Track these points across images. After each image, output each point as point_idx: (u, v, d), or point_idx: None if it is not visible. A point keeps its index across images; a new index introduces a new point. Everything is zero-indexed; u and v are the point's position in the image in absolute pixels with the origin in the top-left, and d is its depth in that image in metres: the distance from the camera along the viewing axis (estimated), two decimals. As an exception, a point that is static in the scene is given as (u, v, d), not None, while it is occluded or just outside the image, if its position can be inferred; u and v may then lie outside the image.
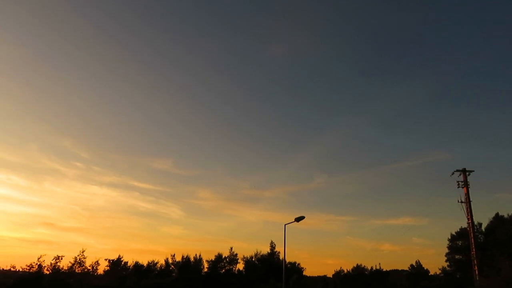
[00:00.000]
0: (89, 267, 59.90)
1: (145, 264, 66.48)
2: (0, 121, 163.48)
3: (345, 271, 76.85)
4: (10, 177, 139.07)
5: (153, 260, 67.23)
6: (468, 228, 41.49)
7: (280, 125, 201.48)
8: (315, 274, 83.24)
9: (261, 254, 68.34)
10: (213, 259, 67.31)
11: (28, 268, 55.46)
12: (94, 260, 61.67)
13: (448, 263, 59.49)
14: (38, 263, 56.73)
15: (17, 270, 57.04)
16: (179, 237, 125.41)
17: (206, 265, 67.16)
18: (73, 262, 59.70)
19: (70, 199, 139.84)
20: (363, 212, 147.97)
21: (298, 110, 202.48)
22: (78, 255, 60.00)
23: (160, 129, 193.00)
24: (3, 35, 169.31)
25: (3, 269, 60.63)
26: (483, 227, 55.71)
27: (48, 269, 57.48)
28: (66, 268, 58.70)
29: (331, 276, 79.48)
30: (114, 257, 64.84)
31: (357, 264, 76.39)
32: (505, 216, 54.73)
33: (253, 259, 67.85)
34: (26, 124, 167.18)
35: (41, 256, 57.07)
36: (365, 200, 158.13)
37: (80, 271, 59.43)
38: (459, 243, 57.13)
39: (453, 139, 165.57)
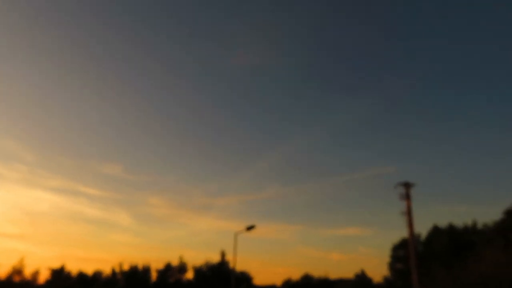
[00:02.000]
0: (29, 277, 57.04)
1: (90, 274, 64.16)
2: None
3: (294, 280, 78.35)
4: None
5: (98, 269, 65.07)
6: (408, 239, 44.05)
7: (237, 134, 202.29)
8: (265, 283, 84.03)
9: (212, 263, 68.16)
10: (162, 268, 66.20)
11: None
12: (35, 269, 58.92)
13: (390, 272, 62.46)
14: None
15: None
16: (128, 244, 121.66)
17: (154, 274, 65.97)
18: (11, 270, 56.60)
19: (11, 203, 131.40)
20: (314, 222, 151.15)
21: (255, 119, 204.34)
22: (17, 264, 57.03)
23: (111, 132, 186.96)
24: None
25: None
26: (422, 238, 59.18)
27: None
28: (4, 277, 55.52)
29: (280, 285, 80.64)
30: (57, 265, 62.20)
31: (305, 273, 78.18)
32: (442, 227, 58.52)
33: (203, 268, 67.47)
34: None
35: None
36: (316, 209, 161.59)
37: (19, 280, 56.39)
38: (400, 253, 60.23)
39: (400, 152, 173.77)
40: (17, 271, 56.38)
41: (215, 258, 70.22)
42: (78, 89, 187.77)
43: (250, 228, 34.02)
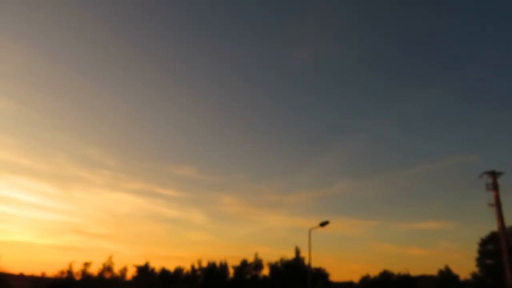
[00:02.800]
0: (118, 273, 61.53)
1: (171, 270, 67.46)
2: (29, 131, 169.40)
3: (372, 276, 75.78)
4: (40, 186, 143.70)
5: (179, 266, 68.19)
6: (499, 232, 40.40)
7: (304, 130, 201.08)
8: (341, 280, 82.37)
9: (286, 259, 68.25)
10: (238, 265, 67.63)
11: (59, 274, 57.37)
12: (122, 266, 63.44)
13: (479, 268, 57.90)
14: (69, 270, 58.57)
15: (49, 276, 59.06)
16: (204, 243, 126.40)
17: (231, 271, 67.60)
18: (102, 268, 61.44)
19: (97, 206, 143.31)
20: (389, 216, 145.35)
21: (321, 114, 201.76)
22: (106, 261, 61.80)
23: (184, 136, 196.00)
24: (32, 49, 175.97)
25: (34, 275, 62.79)
26: (514, 231, 54.04)
27: (78, 275, 59.24)
28: (96, 274, 60.40)
29: (358, 282, 78.48)
30: (141, 263, 66.28)
31: (384, 269, 75.22)
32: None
33: (278, 265, 67.78)
34: (54, 134, 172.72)
35: (71, 262, 59.07)
36: (390, 204, 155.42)
37: (109, 276, 61.01)
38: (490, 247, 55.58)
39: (480, 141, 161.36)
40: (107, 268, 61.01)
41: (289, 254, 70.30)
42: (154, 98, 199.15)
43: (323, 224, 33.37)
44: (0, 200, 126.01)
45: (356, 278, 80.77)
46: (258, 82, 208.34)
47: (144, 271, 64.33)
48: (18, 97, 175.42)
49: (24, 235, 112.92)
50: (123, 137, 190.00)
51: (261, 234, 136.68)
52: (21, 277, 61.61)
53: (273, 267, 67.52)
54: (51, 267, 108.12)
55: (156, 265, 68.39)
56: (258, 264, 67.67)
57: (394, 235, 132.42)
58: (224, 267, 67.43)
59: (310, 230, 34.02)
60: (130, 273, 63.66)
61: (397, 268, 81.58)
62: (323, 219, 33.86)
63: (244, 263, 67.57)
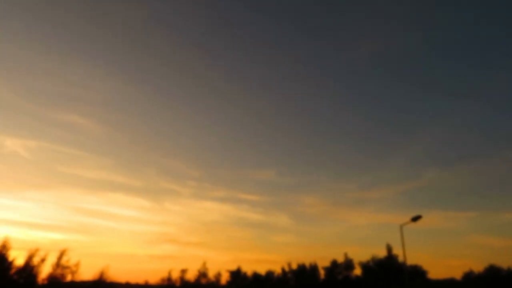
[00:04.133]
0: (213, 278, 64.15)
1: (263, 274, 68.56)
2: (121, 151, 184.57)
3: (476, 272, 69.92)
4: (136, 200, 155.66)
5: (270, 269, 69.09)
6: None
7: (383, 122, 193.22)
8: (440, 277, 77.03)
9: (378, 258, 65.61)
10: (328, 266, 66.62)
11: (160, 281, 61.38)
12: (216, 272, 66.02)
13: None
14: (168, 277, 62.41)
15: (151, 284, 63.54)
16: (291, 244, 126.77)
17: (322, 272, 66.78)
18: (197, 274, 64.50)
19: (187, 215, 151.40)
20: (489, 206, 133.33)
21: (404, 100, 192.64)
22: (201, 268, 64.78)
23: (261, 140, 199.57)
24: (119, 77, 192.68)
25: (138, 283, 67.90)
26: None
27: (177, 281, 62.82)
28: (193, 280, 63.57)
29: (460, 279, 72.85)
30: (233, 268, 68.36)
31: (489, 264, 68.93)
32: None
33: (370, 264, 65.45)
34: (143, 152, 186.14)
35: (170, 270, 62.86)
36: (489, 192, 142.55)
37: (205, 282, 63.86)
38: None
39: None
40: (203, 274, 63.87)
41: (380, 252, 67.54)
42: (228, 108, 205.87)
43: (416, 218, 31.59)
44: (102, 215, 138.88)
45: (457, 274, 75.31)
46: (332, 77, 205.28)
47: (237, 275, 66.27)
48: (109, 121, 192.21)
49: (125, 247, 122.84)
50: (204, 149, 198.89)
51: (346, 233, 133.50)
52: (127, 286, 67.07)
53: (365, 267, 65.37)
54: (152, 275, 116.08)
55: (248, 269, 70.19)
56: (348, 264, 66.04)
57: (496, 226, 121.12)
58: (314, 268, 66.88)
59: (401, 226, 32.46)
60: (224, 278, 66.02)
61: (505, 262, 74.33)
62: (412, 214, 32.07)
63: (334, 264, 66.39)
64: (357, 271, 66.28)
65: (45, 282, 48.07)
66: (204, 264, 63.93)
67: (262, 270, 70.07)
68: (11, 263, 43.89)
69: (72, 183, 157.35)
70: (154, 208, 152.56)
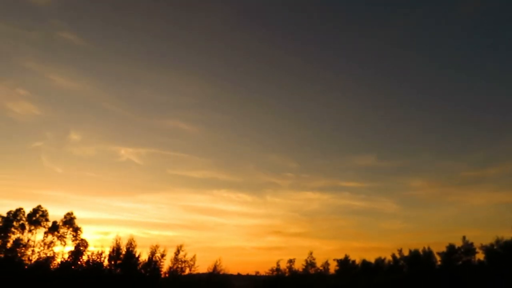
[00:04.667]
0: (321, 268, 63.23)
1: (372, 262, 66.09)
2: (220, 149, 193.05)
3: None
4: (239, 195, 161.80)
5: (379, 257, 66.32)
6: None
7: (497, 85, 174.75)
8: None
9: (504, 240, 59.21)
10: (444, 251, 61.93)
11: (270, 272, 62.07)
12: (323, 261, 64.85)
13: None
14: (277, 267, 62.84)
15: (261, 274, 64.58)
16: (399, 231, 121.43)
17: (438, 258, 62.34)
18: (305, 264, 64.02)
19: (289, 207, 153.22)
20: None
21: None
22: (308, 258, 64.12)
23: (357, 124, 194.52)
24: (206, 79, 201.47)
25: (249, 274, 69.55)
26: None
27: (286, 272, 63.02)
28: (301, 270, 63.29)
29: None
30: (340, 256, 66.73)
31: None
32: None
33: (495, 247, 59.33)
34: (241, 148, 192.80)
35: (278, 261, 63.21)
36: None
37: (313, 272, 63.20)
38: None
39: None
40: (310, 264, 63.22)
41: (504, 234, 60.92)
42: (317, 91, 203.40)
43: None
44: (210, 212, 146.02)
45: None
46: (429, 45, 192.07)
47: (345, 264, 64.67)
48: (206, 123, 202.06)
49: (233, 241, 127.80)
50: (299, 140, 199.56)
51: (462, 215, 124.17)
52: (239, 277, 69.22)
53: (489, 251, 59.45)
54: (261, 266, 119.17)
55: (356, 257, 67.88)
56: (468, 249, 60.69)
57: None
58: (428, 254, 62.70)
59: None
60: (332, 267, 64.80)
61: None
62: None
63: (451, 248, 61.50)
64: (479, 256, 60.72)
65: (167, 275, 51.11)
66: (311, 254, 63.18)
67: (371, 258, 67.38)
68: (137, 258, 47.33)
69: (180, 184, 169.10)
70: (257, 202, 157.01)
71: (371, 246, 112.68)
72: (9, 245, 46.83)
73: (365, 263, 65.37)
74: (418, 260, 62.32)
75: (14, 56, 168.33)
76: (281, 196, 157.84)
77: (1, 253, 45.66)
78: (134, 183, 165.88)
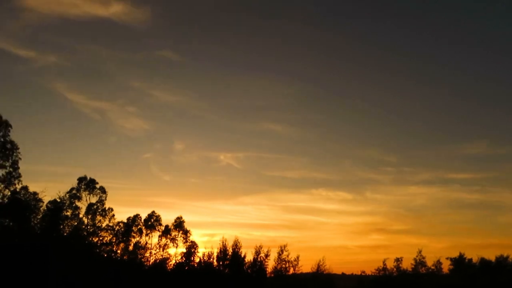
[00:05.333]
0: (432, 267, 59.10)
1: (492, 259, 59.86)
2: (314, 148, 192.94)
3: None
4: (337, 193, 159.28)
5: (501, 254, 59.80)
6: None
7: None
8: None
9: None
10: None
11: (377, 271, 59.77)
12: (435, 260, 60.40)
13: None
14: (384, 267, 60.28)
15: (368, 274, 62.48)
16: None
17: None
18: (413, 263, 60.38)
19: (391, 203, 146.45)
20: None
21: None
22: (417, 256, 60.33)
23: (464, 110, 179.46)
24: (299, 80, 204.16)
25: (354, 274, 67.82)
26: None
27: (394, 271, 60.13)
28: (410, 269, 59.88)
29: None
30: (454, 254, 61.55)
31: None
32: None
33: None
34: (335, 146, 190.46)
35: (384, 260, 60.51)
36: None
37: (424, 271, 59.33)
38: None
39: None
40: (420, 262, 59.50)
41: None
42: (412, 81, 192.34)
43: None
44: (309, 211, 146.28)
45: None
46: None
47: (460, 262, 59.54)
48: (298, 122, 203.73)
49: (336, 239, 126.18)
50: (398, 132, 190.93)
51: None
52: (343, 277, 67.90)
53: None
54: (366, 265, 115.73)
55: (472, 255, 61.98)
56: None
57: None
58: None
59: None
60: (445, 266, 60.14)
61: None
62: None
63: None
64: None
65: (272, 275, 52.17)
66: (420, 252, 59.42)
67: (490, 255, 61.05)
68: (244, 259, 49.16)
69: (278, 185, 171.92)
70: (356, 199, 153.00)
71: (490, 243, 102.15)
72: (130, 248, 51.96)
73: (484, 261, 59.37)
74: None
75: (121, 78, 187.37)
76: (382, 192, 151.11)
77: (125, 255, 50.78)
78: (234, 186, 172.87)
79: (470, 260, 59.83)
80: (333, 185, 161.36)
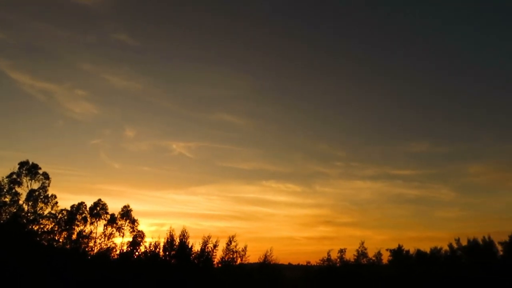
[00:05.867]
0: (373, 258, 61.96)
1: (427, 251, 63.68)
2: (268, 140, 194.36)
3: None
4: (287, 186, 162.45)
5: (435, 246, 63.74)
6: None
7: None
8: None
9: None
10: (507, 241, 58.50)
11: (321, 262, 61.83)
12: (376, 251, 63.38)
13: None
14: (328, 257, 62.42)
15: (312, 264, 64.56)
16: (456, 219, 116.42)
17: (500, 247, 59.00)
18: (356, 254, 62.99)
19: (338, 196, 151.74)
20: None
21: None
22: (359, 247, 62.98)
23: (409, 112, 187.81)
24: (254, 74, 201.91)
25: (300, 264, 69.77)
26: None
27: (337, 262, 62.47)
28: (353, 260, 62.43)
29: None
30: (393, 246, 64.87)
31: None
32: None
33: None
34: (288, 139, 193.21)
35: (328, 251, 62.68)
36: None
37: (365, 262, 62.08)
38: None
39: None
40: (362, 254, 62.16)
41: None
42: (366, 79, 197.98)
43: None
44: (259, 203, 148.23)
45: None
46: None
47: (398, 254, 62.90)
48: (253, 115, 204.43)
49: (283, 231, 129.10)
50: (348, 128, 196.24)
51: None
52: (290, 267, 69.69)
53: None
54: (312, 256, 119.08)
55: (410, 247, 65.71)
56: (535, 238, 56.88)
57: None
58: (489, 244, 59.50)
59: None
60: (385, 257, 63.26)
61: None
62: None
63: (514, 238, 57.92)
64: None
65: (219, 265, 52.51)
66: (362, 243, 62.05)
67: (425, 248, 64.95)
68: (191, 249, 49.06)
69: (230, 176, 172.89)
70: (306, 192, 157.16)
71: (426, 236, 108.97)
72: (74, 236, 50.35)
73: (420, 253, 63.08)
74: (477, 250, 59.38)
75: (72, 59, 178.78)
76: (331, 185, 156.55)
77: (67, 244, 49.17)
78: (186, 176, 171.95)
79: (408, 251, 63.38)
80: (284, 178, 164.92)
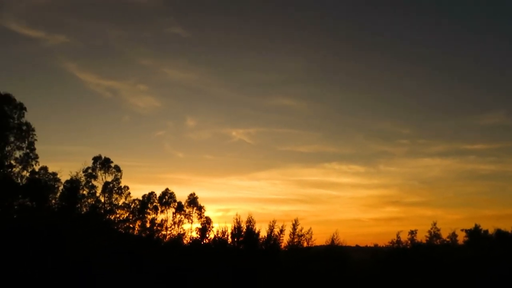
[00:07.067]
0: (447, 239, 58.93)
1: (509, 231, 59.35)
2: (327, 122, 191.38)
3: None
4: (351, 167, 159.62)
5: (517, 225, 59.25)
6: None
7: None
8: None
9: None
10: None
11: (391, 244, 59.93)
12: (450, 232, 60.07)
13: None
14: (397, 239, 60.31)
15: (381, 246, 62.78)
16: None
17: None
18: (428, 235, 60.18)
19: (405, 175, 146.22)
20: None
21: None
22: (431, 228, 60.06)
23: (480, 80, 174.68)
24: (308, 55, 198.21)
25: (367, 246, 68.26)
26: None
27: (408, 244, 60.19)
28: (425, 242, 59.78)
29: None
30: (469, 226, 61.19)
31: None
32: None
33: None
34: (348, 119, 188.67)
35: (398, 232, 60.46)
36: None
37: (439, 243, 59.21)
38: None
39: None
40: (434, 235, 59.30)
41: None
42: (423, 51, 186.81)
43: None
44: (323, 185, 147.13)
45: None
46: None
47: (475, 234, 59.25)
48: (307, 96, 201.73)
49: (349, 213, 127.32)
50: (413, 103, 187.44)
51: None
52: (357, 249, 68.55)
53: None
54: (380, 238, 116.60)
55: (488, 226, 61.54)
56: None
57: None
58: None
59: None
60: (461, 238, 59.91)
61: None
62: None
63: None
64: None
65: (286, 249, 52.75)
66: (434, 224, 59.13)
67: (506, 227, 60.44)
68: (258, 234, 49.72)
69: (291, 160, 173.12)
70: (370, 172, 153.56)
71: (507, 214, 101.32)
72: (147, 224, 53.20)
73: (500, 232, 58.92)
74: None
75: (131, 56, 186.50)
76: (396, 164, 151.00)
77: (143, 233, 52.05)
78: (247, 162, 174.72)
79: (486, 231, 59.46)
80: (346, 159, 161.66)
